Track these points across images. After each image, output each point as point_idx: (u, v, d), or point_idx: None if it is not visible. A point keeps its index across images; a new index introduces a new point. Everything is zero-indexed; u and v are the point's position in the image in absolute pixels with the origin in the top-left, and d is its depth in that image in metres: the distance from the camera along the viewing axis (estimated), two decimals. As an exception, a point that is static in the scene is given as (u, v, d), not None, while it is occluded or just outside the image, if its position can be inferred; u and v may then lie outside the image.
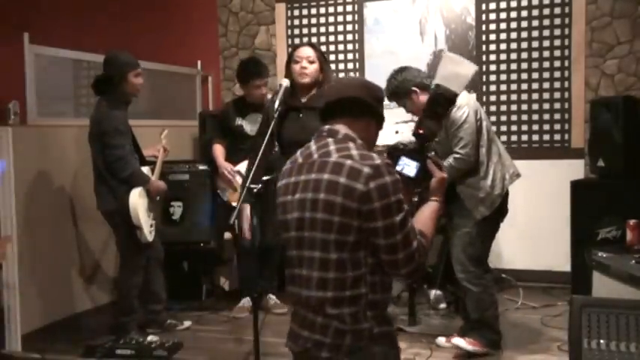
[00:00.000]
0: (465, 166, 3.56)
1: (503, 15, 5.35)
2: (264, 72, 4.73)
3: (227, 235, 5.14)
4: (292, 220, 2.05)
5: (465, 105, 3.53)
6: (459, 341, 3.71)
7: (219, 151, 4.83)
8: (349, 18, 5.78)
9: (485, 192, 3.57)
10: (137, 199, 3.98)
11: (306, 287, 2.01)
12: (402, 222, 1.94)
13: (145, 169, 4.17)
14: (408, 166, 2.18)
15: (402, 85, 3.64)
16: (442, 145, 3.59)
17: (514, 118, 5.36)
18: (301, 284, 2.03)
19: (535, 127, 5.31)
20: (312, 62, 3.49)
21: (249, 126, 4.75)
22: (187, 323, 4.50)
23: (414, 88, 3.62)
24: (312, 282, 1.99)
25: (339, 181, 1.95)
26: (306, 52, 3.50)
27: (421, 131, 2.31)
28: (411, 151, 2.22)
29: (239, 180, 4.64)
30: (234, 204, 3.76)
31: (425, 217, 2.12)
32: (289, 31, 5.96)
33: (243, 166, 4.69)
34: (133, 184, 4.00)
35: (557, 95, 5.24)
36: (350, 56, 5.80)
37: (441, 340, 3.88)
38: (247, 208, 3.50)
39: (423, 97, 3.60)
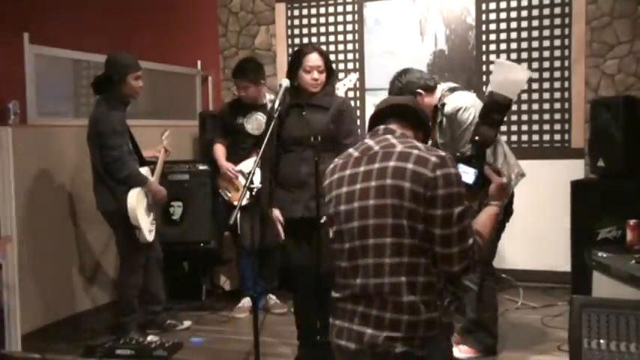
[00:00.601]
0: None
1: (503, 15, 5.35)
2: (248, 74, 4.64)
3: (227, 234, 5.14)
4: (353, 210, 2.05)
5: (471, 106, 3.49)
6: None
7: (220, 151, 4.82)
8: (349, 18, 5.78)
9: None
10: (135, 200, 3.97)
11: (375, 275, 1.99)
12: (460, 215, 1.96)
13: (145, 170, 4.17)
14: (466, 174, 2.21)
15: (406, 88, 3.58)
16: (448, 147, 3.54)
17: (514, 118, 5.35)
18: (367, 273, 2.01)
19: (535, 127, 5.31)
20: (322, 72, 3.48)
21: (249, 124, 4.75)
22: (187, 323, 4.49)
23: (419, 90, 3.58)
24: (385, 269, 1.97)
25: (407, 167, 1.97)
26: (316, 61, 3.47)
27: (477, 138, 2.30)
28: (468, 158, 2.25)
29: (242, 180, 4.64)
30: (235, 203, 3.76)
31: (483, 219, 2.16)
32: (289, 31, 5.96)
33: (244, 166, 4.70)
34: (130, 185, 4.00)
35: (557, 95, 5.24)
36: (350, 56, 5.79)
37: (441, 339, 3.88)
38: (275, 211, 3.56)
39: (428, 99, 3.60)
